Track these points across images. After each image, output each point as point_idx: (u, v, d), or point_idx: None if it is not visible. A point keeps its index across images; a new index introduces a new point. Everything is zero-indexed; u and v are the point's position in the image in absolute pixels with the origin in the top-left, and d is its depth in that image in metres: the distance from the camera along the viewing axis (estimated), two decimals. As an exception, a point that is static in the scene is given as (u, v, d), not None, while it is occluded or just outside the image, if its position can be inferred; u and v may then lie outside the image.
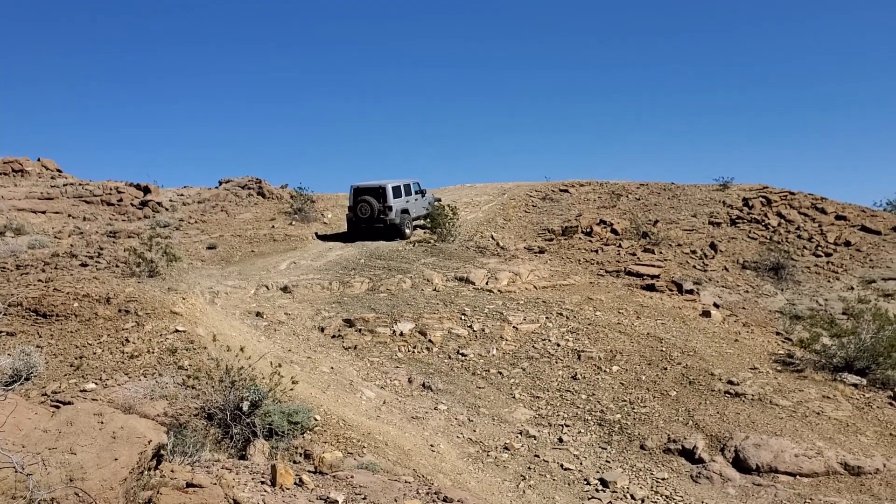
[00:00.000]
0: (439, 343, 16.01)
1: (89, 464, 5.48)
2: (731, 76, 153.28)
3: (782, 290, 22.99)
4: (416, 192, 26.80)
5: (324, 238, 26.09)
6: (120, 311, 13.98)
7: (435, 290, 19.10)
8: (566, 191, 32.62)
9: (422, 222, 26.57)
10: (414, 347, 15.86)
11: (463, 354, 15.61)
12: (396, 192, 25.21)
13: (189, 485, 6.30)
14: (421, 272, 20.29)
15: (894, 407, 14.08)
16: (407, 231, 25.23)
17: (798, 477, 11.67)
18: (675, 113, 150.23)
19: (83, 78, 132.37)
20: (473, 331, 16.54)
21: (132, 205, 27.83)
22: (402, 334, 16.29)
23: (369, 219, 24.59)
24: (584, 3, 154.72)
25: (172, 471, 6.44)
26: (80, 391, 11.01)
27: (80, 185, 28.89)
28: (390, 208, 24.59)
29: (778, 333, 19.09)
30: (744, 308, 21.34)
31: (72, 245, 22.08)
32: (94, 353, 12.38)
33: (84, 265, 19.50)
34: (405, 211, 25.39)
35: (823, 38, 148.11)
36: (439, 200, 28.85)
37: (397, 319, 16.84)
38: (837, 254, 25.33)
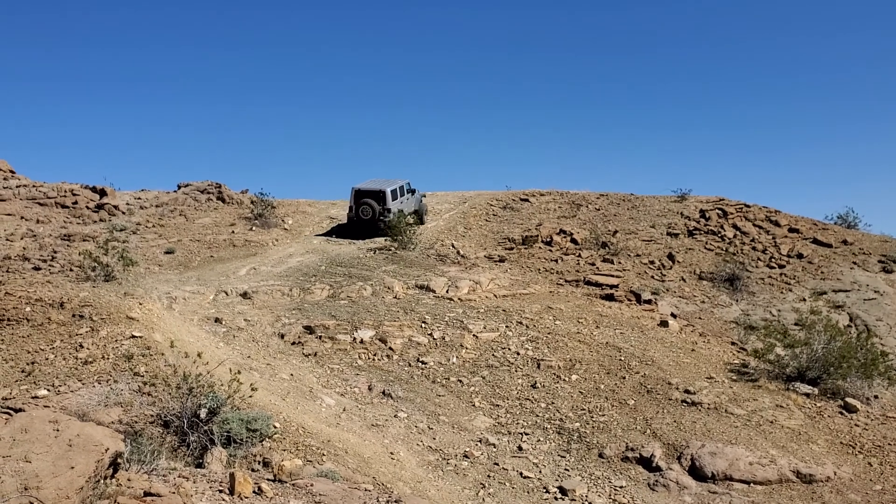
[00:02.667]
0: (399, 351, 15.99)
1: (45, 472, 5.37)
2: (688, 90, 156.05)
3: (737, 300, 23.40)
4: (408, 192, 28.46)
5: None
6: (74, 315, 13.70)
7: (395, 297, 19.07)
8: (527, 200, 32.80)
9: (412, 218, 28.10)
10: (374, 355, 15.82)
11: (423, 362, 15.61)
12: (394, 195, 26.89)
13: (147, 494, 6.20)
14: (382, 280, 20.25)
15: (845, 416, 14.42)
16: None
17: (752, 485, 11.89)
18: (633, 123, 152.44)
19: (37, 77, 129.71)
20: (434, 339, 16.55)
21: (88, 208, 27.30)
22: (362, 342, 16.24)
23: (370, 220, 26.14)
24: (542, 17, 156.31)
25: (129, 479, 6.33)
26: (32, 398, 10.77)
27: (33, 186, 28.24)
28: (389, 210, 26.14)
29: (733, 343, 19.43)
30: (700, 318, 21.68)
31: (24, 248, 21.59)
32: (47, 359, 12.12)
33: (37, 269, 19.10)
34: (401, 211, 26.77)
35: (776, 56, 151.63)
36: (425, 196, 30.57)
37: (358, 327, 16.79)
38: (790, 266, 25.86)
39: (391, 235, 24.83)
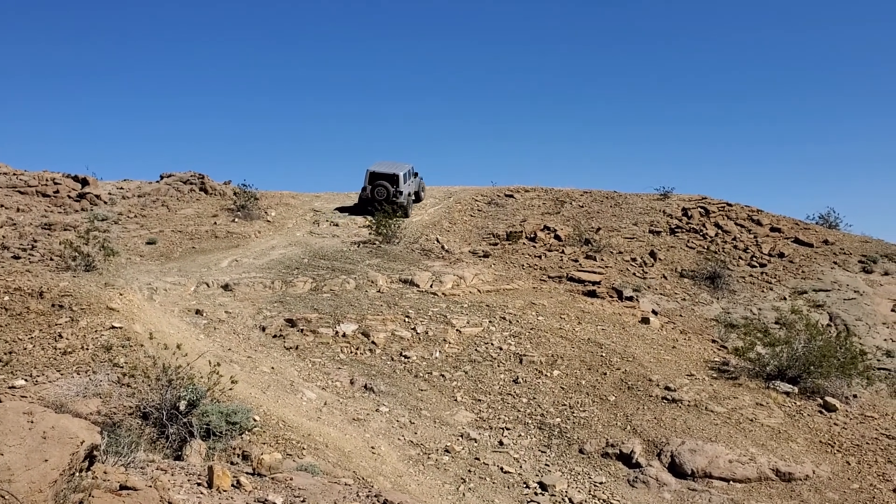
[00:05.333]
0: (382, 345, 15.94)
1: (17, 465, 5.28)
2: (672, 87, 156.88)
3: (718, 298, 23.50)
4: (412, 175, 31.15)
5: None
6: (53, 305, 13.56)
7: (379, 291, 19.02)
8: (511, 196, 32.78)
9: (413, 199, 31.25)
10: (356, 349, 15.76)
11: (406, 357, 15.57)
12: (405, 177, 29.72)
13: (122, 487, 6.13)
14: (365, 273, 20.19)
15: (824, 415, 14.54)
16: (410, 210, 29.72)
17: (731, 482, 11.95)
18: (618, 121, 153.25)
19: (19, 67, 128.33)
20: (417, 333, 16.52)
21: (69, 197, 27.00)
22: (344, 335, 16.18)
23: (384, 200, 28.37)
24: (525, 11, 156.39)
25: (105, 472, 6.25)
26: (9, 388, 10.64)
27: (14, 174, 27.91)
28: (401, 192, 28.98)
29: (714, 341, 19.53)
30: (681, 316, 21.76)
31: (4, 236, 21.34)
32: (25, 349, 11.98)
33: (16, 257, 18.89)
34: (409, 193, 30.16)
35: (758, 54, 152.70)
36: (422, 179, 33.04)
37: (340, 320, 16.72)
38: (771, 265, 26.00)
39: (400, 216, 26.99)
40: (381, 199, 28.41)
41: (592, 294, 21.28)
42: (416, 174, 31.71)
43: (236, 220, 27.01)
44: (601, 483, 11.83)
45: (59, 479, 5.44)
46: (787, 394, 15.21)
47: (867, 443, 13.54)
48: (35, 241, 20.73)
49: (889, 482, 12.33)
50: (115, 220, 25.19)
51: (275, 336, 16.10)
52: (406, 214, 28.94)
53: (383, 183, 28.94)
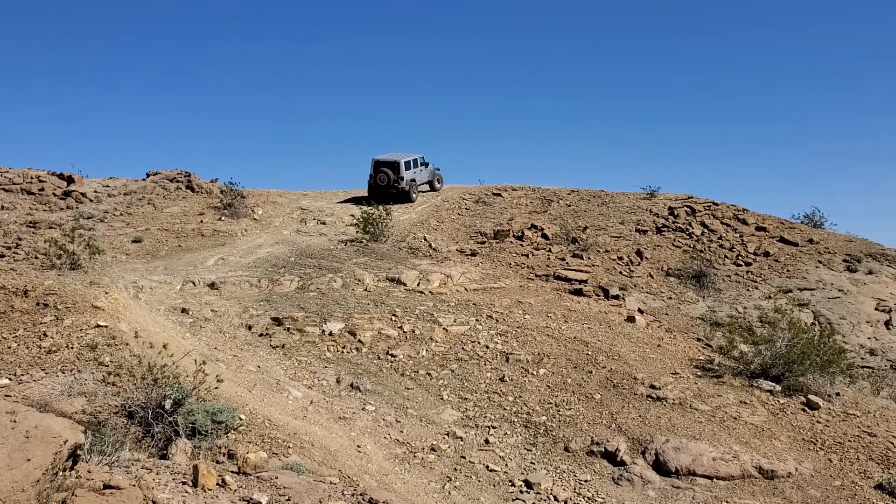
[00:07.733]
0: (369, 343, 15.95)
1: None
2: (659, 87, 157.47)
3: (704, 297, 23.64)
4: (421, 164, 33.02)
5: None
6: (38, 304, 13.50)
7: (366, 290, 19.01)
8: (499, 195, 32.86)
9: (426, 188, 33.90)
10: (343, 347, 15.76)
11: (392, 355, 15.59)
12: (407, 165, 31.42)
13: (106, 486, 6.11)
14: (352, 272, 20.17)
15: (807, 413, 14.65)
16: (413, 195, 31.80)
17: (715, 480, 12.05)
18: (604, 120, 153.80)
19: (2, 65, 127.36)
20: (403, 332, 16.53)
21: (54, 195, 26.86)
22: (331, 334, 16.17)
23: (386, 186, 30.81)
24: (521, 8, 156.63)
25: (89, 471, 6.24)
26: (-7, 387, 10.59)
27: (-2, 172, 27.74)
28: (402, 178, 30.96)
29: (699, 340, 19.65)
30: (667, 314, 21.88)
31: (-13, 234, 21.20)
32: (9, 348, 11.93)
33: (1, 256, 18.79)
34: (413, 180, 31.96)
35: (746, 53, 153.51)
36: (438, 169, 34.84)
37: (327, 319, 16.71)
38: (757, 263, 26.17)
39: (401, 200, 30.25)
40: (382, 186, 30.64)
41: (579, 293, 21.36)
42: (426, 164, 33.48)
43: (223, 218, 26.94)
44: (586, 481, 11.89)
45: (41, 479, 5.43)
46: (771, 392, 15.32)
47: (849, 440, 13.66)
48: (20, 240, 20.63)
49: (870, 479, 12.46)
50: (100, 219, 25.09)
51: (261, 335, 16.08)
52: (410, 199, 31.28)
53: (385, 170, 30.93)
